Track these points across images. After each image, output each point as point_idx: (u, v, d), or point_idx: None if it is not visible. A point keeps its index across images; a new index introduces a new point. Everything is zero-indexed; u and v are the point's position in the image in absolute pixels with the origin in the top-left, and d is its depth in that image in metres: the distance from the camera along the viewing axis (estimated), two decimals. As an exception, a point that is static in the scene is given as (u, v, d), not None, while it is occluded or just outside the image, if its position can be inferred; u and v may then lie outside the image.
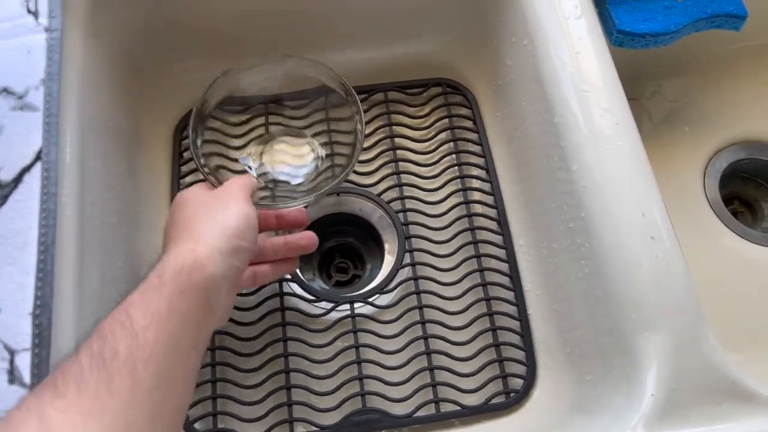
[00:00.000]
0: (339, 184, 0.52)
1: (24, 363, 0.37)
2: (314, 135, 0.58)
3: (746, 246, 0.64)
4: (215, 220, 0.40)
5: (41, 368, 0.37)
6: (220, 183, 0.50)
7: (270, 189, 0.55)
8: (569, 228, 0.50)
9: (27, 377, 0.37)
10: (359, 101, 0.53)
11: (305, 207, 0.53)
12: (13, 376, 0.37)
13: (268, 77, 0.56)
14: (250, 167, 0.56)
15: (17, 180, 0.41)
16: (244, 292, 0.55)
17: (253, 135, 0.58)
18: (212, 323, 0.38)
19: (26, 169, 0.42)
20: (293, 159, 0.58)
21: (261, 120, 0.58)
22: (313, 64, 0.54)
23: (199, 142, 0.52)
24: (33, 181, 0.41)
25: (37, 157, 0.42)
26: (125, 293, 0.44)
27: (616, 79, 0.50)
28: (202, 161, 0.51)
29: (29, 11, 0.46)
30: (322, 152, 0.58)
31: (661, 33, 0.56)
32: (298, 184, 0.56)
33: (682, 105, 0.68)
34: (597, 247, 0.46)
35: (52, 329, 0.38)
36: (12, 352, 0.37)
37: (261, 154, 0.57)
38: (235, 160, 0.56)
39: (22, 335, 0.38)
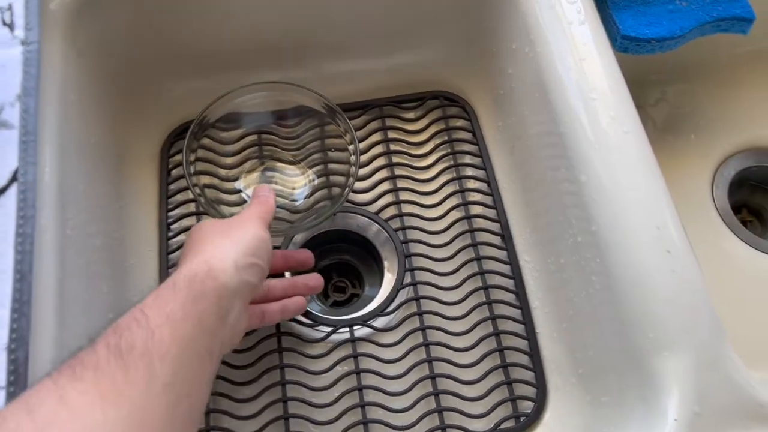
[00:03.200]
0: (341, 204, 0.52)
1: (-2, 402, 0.34)
2: (307, 158, 0.58)
3: (756, 255, 0.62)
4: (230, 238, 0.41)
5: (17, 408, 0.34)
6: (209, 202, 0.49)
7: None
8: (578, 242, 0.47)
9: (2, 418, 0.34)
10: (347, 118, 0.53)
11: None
12: (-14, 417, 0.34)
13: (260, 102, 0.55)
14: (241, 191, 0.56)
15: (-9, 204, 0.39)
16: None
17: (245, 159, 0.57)
18: (226, 335, 0.38)
19: (1, 192, 0.39)
20: (287, 183, 0.57)
21: (253, 145, 0.58)
22: (299, 89, 0.54)
23: (192, 160, 0.52)
24: (8, 203, 0.39)
25: (13, 178, 0.39)
26: (111, 323, 0.42)
27: (624, 85, 0.48)
28: (193, 180, 0.50)
29: (4, 23, 0.44)
30: (314, 176, 0.57)
31: (667, 37, 0.54)
32: (296, 211, 0.56)
33: (687, 112, 0.66)
34: (608, 262, 0.44)
35: (29, 365, 0.35)
36: (-15, 391, 0.34)
37: (253, 178, 0.57)
38: (227, 180, 0.55)
39: (-3, 371, 0.35)
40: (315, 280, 0.51)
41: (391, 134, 0.61)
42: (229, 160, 0.56)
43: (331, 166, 0.56)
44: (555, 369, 0.51)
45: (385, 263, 0.57)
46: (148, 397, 0.30)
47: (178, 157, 0.57)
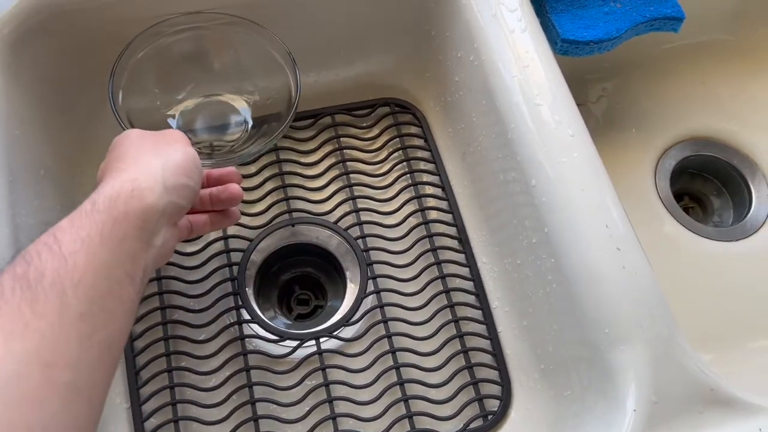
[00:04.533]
0: (270, 144, 0.52)
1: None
2: (244, 95, 0.57)
3: (701, 242, 0.65)
4: (160, 155, 0.38)
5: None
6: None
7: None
8: (532, 243, 0.49)
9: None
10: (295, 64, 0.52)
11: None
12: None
13: (195, 36, 0.54)
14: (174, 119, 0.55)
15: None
16: (201, 338, 0.52)
17: (180, 92, 0.56)
18: (150, 258, 0.36)
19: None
20: (219, 119, 0.56)
21: (189, 78, 0.56)
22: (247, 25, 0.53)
23: (119, 89, 0.50)
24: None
25: (-37, 220, 0.38)
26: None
27: (566, 89, 0.50)
28: (120, 104, 0.49)
29: (-58, 60, 0.43)
30: (249, 116, 0.56)
31: (604, 39, 0.57)
32: (222, 146, 0.55)
33: (627, 107, 0.69)
34: (562, 262, 0.46)
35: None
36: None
37: (187, 111, 0.56)
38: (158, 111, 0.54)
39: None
40: (228, 192, 0.48)
41: (344, 142, 0.61)
42: (162, 95, 0.55)
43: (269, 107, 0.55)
44: (518, 366, 0.53)
45: (347, 273, 0.58)
46: (60, 328, 0.28)
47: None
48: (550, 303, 0.48)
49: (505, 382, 0.53)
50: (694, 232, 0.64)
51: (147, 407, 0.50)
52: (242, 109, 0.56)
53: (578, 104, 0.61)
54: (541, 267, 0.49)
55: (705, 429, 0.40)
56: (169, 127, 0.54)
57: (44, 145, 0.50)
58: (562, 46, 0.56)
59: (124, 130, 0.46)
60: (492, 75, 0.51)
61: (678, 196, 0.68)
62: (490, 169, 0.54)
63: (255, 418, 0.50)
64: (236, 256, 0.56)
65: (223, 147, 0.55)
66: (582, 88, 0.69)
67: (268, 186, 0.59)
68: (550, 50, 0.51)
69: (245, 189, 0.57)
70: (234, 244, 0.56)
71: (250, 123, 0.56)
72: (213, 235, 0.56)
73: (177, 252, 0.55)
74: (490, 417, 0.52)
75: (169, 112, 0.55)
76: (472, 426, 0.51)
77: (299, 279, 0.60)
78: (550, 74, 0.50)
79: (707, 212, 0.69)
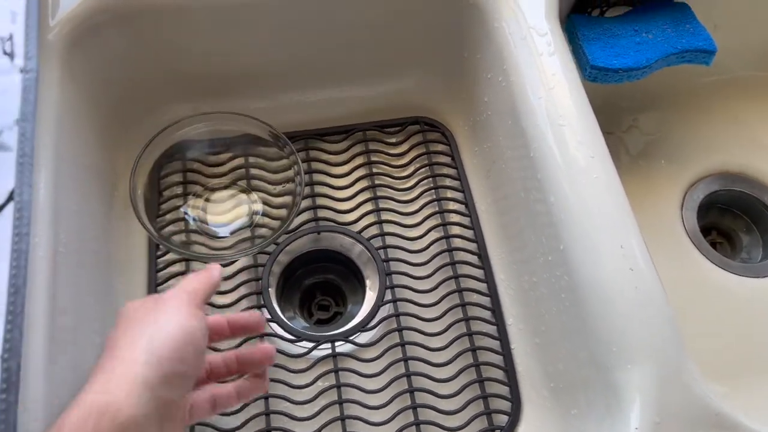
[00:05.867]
0: (280, 235, 0.55)
1: (-9, 409, 0.36)
2: (252, 187, 0.61)
3: (726, 276, 0.64)
4: (144, 338, 0.33)
5: (9, 415, 0.36)
6: (159, 234, 0.53)
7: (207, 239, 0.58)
8: (548, 261, 0.50)
9: (-6, 425, 0.36)
10: (296, 151, 0.57)
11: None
12: (-21, 424, 0.36)
13: (206, 131, 0.59)
14: (187, 214, 0.59)
15: (-12, 221, 0.41)
16: (223, 332, 0.54)
17: (193, 187, 0.60)
18: None
19: (-2, 210, 0.41)
20: (229, 210, 0.60)
21: (201, 171, 0.61)
22: (245, 118, 0.58)
23: (139, 195, 0.54)
24: (4, 221, 0.41)
25: (10, 198, 0.41)
26: (99, 331, 0.44)
27: (590, 112, 0.51)
28: (143, 213, 0.53)
29: (5, 52, 0.46)
30: (259, 206, 0.60)
31: (634, 68, 0.58)
32: (227, 237, 0.59)
33: (657, 138, 0.69)
34: (576, 280, 0.46)
35: (21, 374, 0.37)
36: (-21, 399, 0.36)
37: (200, 205, 0.60)
38: (176, 209, 0.59)
39: (-10, 381, 0.36)
40: (261, 353, 0.41)
41: (374, 157, 0.63)
42: (176, 189, 0.60)
43: (277, 194, 0.59)
44: (529, 383, 0.53)
45: (368, 282, 0.59)
46: None
47: (168, 179, 0.60)
48: (562, 321, 0.49)
49: (515, 399, 0.53)
50: (719, 266, 0.64)
51: (165, 394, 0.52)
52: (253, 200, 0.60)
53: (608, 132, 0.62)
54: (555, 285, 0.49)
55: (707, 453, 0.40)
56: (185, 219, 0.58)
57: (90, 137, 0.54)
58: (591, 72, 0.58)
59: (140, 219, 0.50)
60: (519, 96, 0.52)
61: (706, 231, 0.68)
62: (513, 187, 0.55)
63: (267, 413, 0.52)
64: (262, 258, 0.58)
65: (239, 236, 0.58)
66: (613, 117, 0.70)
67: (298, 193, 0.61)
68: (577, 74, 0.53)
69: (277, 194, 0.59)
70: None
71: (261, 211, 0.60)
72: (241, 236, 0.59)
73: (207, 246, 0.57)
74: (497, 431, 0.52)
75: (183, 208, 0.59)
76: (479, 439, 0.52)
77: (321, 285, 0.62)
78: (576, 97, 0.51)
79: (735, 248, 0.68)
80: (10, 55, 0.46)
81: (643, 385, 0.41)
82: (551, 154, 0.49)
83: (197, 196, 0.60)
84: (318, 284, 0.62)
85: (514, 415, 0.52)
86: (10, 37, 0.47)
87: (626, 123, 0.70)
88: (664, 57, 0.58)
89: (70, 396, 0.40)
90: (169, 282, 0.56)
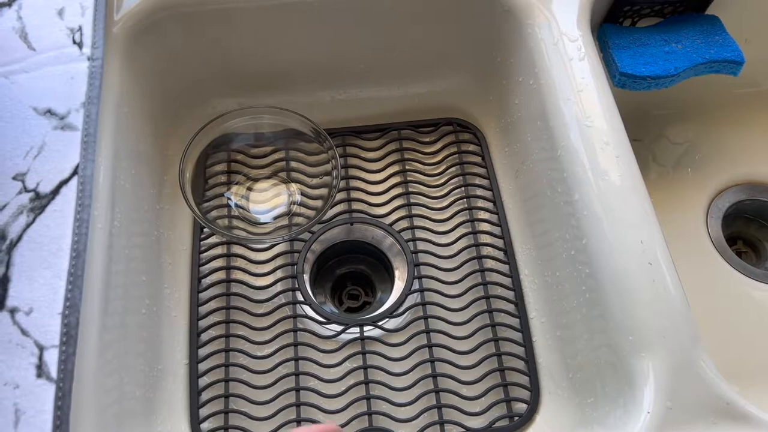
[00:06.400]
0: (313, 224, 0.58)
1: (52, 359, 0.39)
2: (291, 179, 0.64)
3: (750, 284, 0.65)
4: None
5: (67, 364, 0.39)
6: (204, 217, 0.56)
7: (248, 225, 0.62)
8: (571, 255, 0.52)
9: (54, 372, 0.39)
10: (335, 147, 0.59)
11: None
12: (41, 371, 0.39)
13: (252, 124, 0.62)
14: (230, 200, 0.62)
15: (55, 192, 0.45)
16: (258, 312, 0.58)
17: (236, 176, 0.64)
18: None
19: (64, 182, 0.45)
20: (269, 199, 0.63)
21: (245, 162, 0.65)
22: (290, 114, 0.61)
23: (187, 180, 0.58)
24: (69, 193, 0.45)
25: (74, 172, 0.45)
26: (146, 303, 0.48)
27: (617, 115, 0.53)
28: (190, 197, 0.57)
29: (74, 42, 0.51)
30: (297, 197, 0.63)
31: (662, 76, 0.59)
32: (268, 223, 0.62)
33: (685, 147, 0.71)
34: (597, 273, 0.48)
35: (79, 328, 0.41)
36: (41, 349, 0.40)
37: (243, 192, 0.64)
38: (221, 196, 0.63)
39: (52, 333, 0.40)
40: None
41: (407, 155, 0.66)
42: (220, 177, 0.64)
43: (314, 186, 0.63)
44: (548, 375, 0.55)
45: (396, 272, 0.62)
46: None
47: (214, 168, 0.64)
48: (582, 313, 0.51)
49: (534, 388, 0.55)
50: (744, 274, 0.65)
51: (203, 366, 0.55)
52: (292, 191, 0.64)
53: (636, 140, 0.64)
54: (577, 278, 0.51)
55: (717, 439, 0.41)
56: (228, 205, 0.62)
57: (145, 125, 0.58)
58: (620, 79, 0.60)
59: (188, 202, 0.55)
60: (548, 98, 0.55)
61: (732, 240, 0.69)
62: (540, 185, 0.57)
63: (297, 389, 0.54)
64: (298, 245, 0.62)
65: (277, 224, 0.62)
66: (642, 125, 0.71)
67: (334, 185, 0.64)
68: (606, 79, 0.55)
69: (312, 187, 0.63)
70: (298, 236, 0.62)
71: (298, 201, 0.63)
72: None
73: (247, 231, 0.61)
74: (516, 419, 0.54)
75: (226, 194, 0.63)
76: (497, 425, 0.54)
77: (352, 275, 0.65)
78: (603, 100, 0.53)
79: (761, 258, 0.69)
80: (79, 45, 0.51)
81: (656, 371, 0.43)
82: (577, 153, 0.51)
83: (240, 184, 0.64)
84: (349, 274, 0.65)
85: (533, 403, 0.54)
86: (80, 29, 0.52)
87: (655, 131, 0.72)
88: (692, 66, 0.60)
89: (118, 351, 0.44)
90: (211, 263, 0.60)
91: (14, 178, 0.45)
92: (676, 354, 0.44)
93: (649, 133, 0.72)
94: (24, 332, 0.40)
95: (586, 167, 0.51)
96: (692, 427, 0.42)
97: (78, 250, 0.43)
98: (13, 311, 0.41)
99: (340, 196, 0.64)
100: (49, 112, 0.48)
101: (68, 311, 0.41)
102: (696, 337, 0.44)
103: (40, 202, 0.44)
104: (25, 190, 0.45)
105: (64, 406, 0.38)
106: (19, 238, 0.43)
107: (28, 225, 0.43)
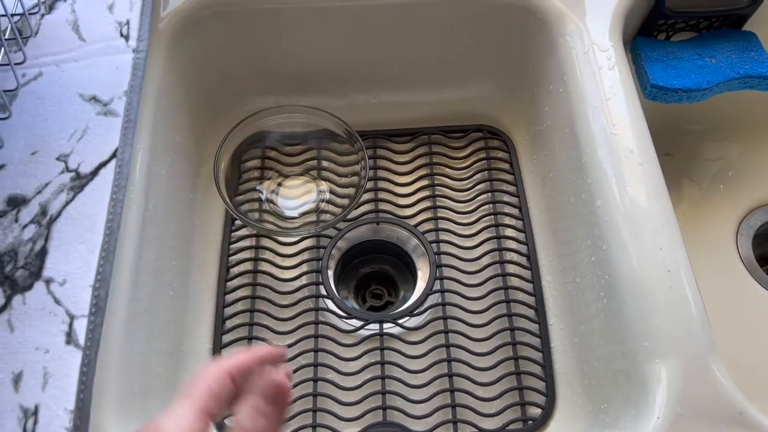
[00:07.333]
0: (339, 220, 0.60)
1: (81, 328, 0.42)
2: (321, 177, 0.66)
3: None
4: None
5: (95, 333, 0.42)
6: (237, 209, 0.58)
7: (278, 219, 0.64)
8: (591, 261, 0.52)
9: (82, 340, 0.41)
10: (365, 148, 0.61)
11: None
12: (70, 338, 0.41)
13: (286, 123, 0.64)
14: (262, 194, 0.65)
15: (94, 173, 0.47)
16: (282, 303, 0.59)
17: (268, 172, 0.66)
18: None
19: (103, 164, 0.48)
20: (299, 195, 0.65)
21: (278, 159, 0.67)
22: (325, 114, 0.63)
23: (222, 173, 0.60)
24: (107, 174, 0.47)
25: (114, 155, 0.48)
26: (174, 287, 0.50)
27: (644, 125, 0.53)
28: (223, 189, 0.59)
29: (122, 35, 0.54)
30: (326, 195, 0.65)
31: (693, 89, 0.59)
32: (297, 218, 0.64)
33: (717, 164, 0.70)
34: (616, 279, 0.48)
35: (108, 301, 0.43)
36: (72, 318, 0.42)
37: (274, 187, 0.66)
38: (253, 190, 0.65)
39: (82, 304, 0.42)
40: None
41: (436, 159, 0.67)
42: (253, 173, 0.66)
43: (343, 185, 0.65)
44: (565, 380, 0.55)
45: (419, 273, 0.63)
46: None
47: (248, 164, 0.66)
48: (600, 319, 0.51)
49: (550, 394, 0.55)
50: (770, 292, 0.64)
51: (226, 351, 0.57)
52: (321, 189, 0.66)
53: (667, 154, 0.64)
54: (596, 284, 0.51)
55: (728, 448, 0.41)
56: (259, 199, 0.64)
57: (183, 119, 0.60)
58: (651, 91, 0.60)
59: (221, 194, 0.57)
60: (576, 105, 0.55)
61: (763, 260, 0.68)
62: (565, 192, 0.58)
63: (315, 379, 0.56)
64: (324, 241, 0.63)
65: (305, 219, 0.64)
66: (674, 140, 0.71)
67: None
68: (635, 88, 0.55)
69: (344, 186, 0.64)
70: (324, 231, 0.63)
71: (327, 199, 0.65)
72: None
73: (274, 225, 0.62)
74: (530, 423, 0.54)
75: (258, 187, 0.66)
76: (511, 427, 0.54)
77: (376, 275, 0.66)
78: (631, 109, 0.54)
79: (793, 279, 0.68)
80: (126, 38, 0.54)
81: (668, 378, 0.43)
82: (601, 160, 0.52)
83: (272, 180, 0.66)
84: (374, 273, 0.66)
85: (548, 408, 0.54)
86: (128, 23, 0.55)
87: (686, 146, 0.71)
88: (725, 81, 0.60)
89: (144, 327, 0.46)
90: (239, 254, 0.62)
91: (58, 159, 0.48)
92: (689, 361, 0.43)
93: (682, 148, 0.71)
94: (57, 301, 0.42)
95: (609, 174, 0.51)
96: (703, 434, 0.41)
97: (112, 228, 0.45)
98: (48, 281, 0.43)
99: (367, 196, 0.65)
100: (94, 99, 0.50)
101: (99, 284, 0.43)
102: (711, 346, 0.44)
103: (80, 182, 0.47)
104: (67, 170, 0.47)
105: (89, 371, 0.40)
106: (59, 214, 0.46)
107: (68, 202, 0.46)
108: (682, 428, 0.41)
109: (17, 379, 0.40)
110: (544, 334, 0.58)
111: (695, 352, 0.44)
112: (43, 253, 0.44)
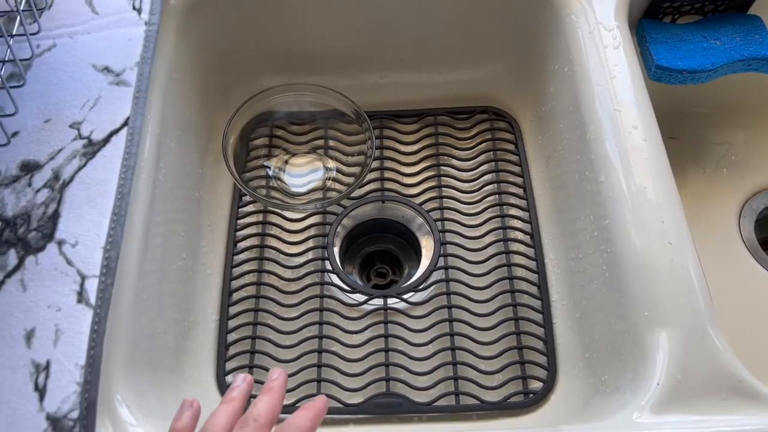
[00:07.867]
0: (344, 197, 0.61)
1: (92, 287, 0.43)
2: (328, 155, 0.67)
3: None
4: None
5: (105, 293, 0.43)
6: (245, 184, 0.59)
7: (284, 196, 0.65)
8: (594, 236, 0.53)
9: (93, 299, 0.42)
10: (372, 128, 0.62)
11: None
12: (81, 297, 0.42)
13: (295, 101, 0.65)
14: (269, 169, 0.66)
15: (106, 140, 0.48)
16: (288, 277, 0.60)
17: (276, 150, 0.67)
18: None
19: (115, 132, 0.49)
20: (306, 173, 0.66)
21: (286, 137, 0.68)
22: (334, 93, 0.63)
23: (230, 148, 0.61)
24: (119, 142, 0.48)
25: (125, 123, 0.49)
26: (183, 258, 0.50)
27: (648, 102, 0.54)
28: (232, 164, 0.60)
29: (134, 8, 0.55)
30: (332, 173, 0.66)
31: (698, 70, 0.60)
32: (303, 194, 0.65)
33: (722, 148, 0.71)
34: (618, 252, 0.49)
35: (118, 262, 0.44)
36: (83, 278, 0.43)
37: (281, 165, 0.67)
38: (261, 167, 0.66)
39: (93, 264, 0.43)
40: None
41: (441, 140, 0.68)
42: (261, 150, 0.67)
43: (349, 164, 0.65)
44: (566, 356, 0.56)
45: (423, 250, 0.64)
46: None
47: (256, 141, 0.67)
48: (602, 293, 0.51)
49: (551, 368, 0.56)
50: (772, 273, 0.64)
51: (232, 323, 0.58)
52: (328, 166, 0.67)
53: (671, 138, 0.64)
54: (598, 259, 0.52)
55: (725, 413, 0.41)
56: (267, 175, 0.66)
57: (193, 94, 0.61)
58: (655, 72, 0.60)
59: (229, 168, 0.58)
60: (581, 83, 0.56)
61: (766, 243, 0.68)
62: (569, 171, 0.58)
63: (319, 350, 0.56)
64: (330, 218, 0.64)
65: (311, 196, 0.65)
66: (679, 123, 0.72)
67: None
68: (639, 68, 0.56)
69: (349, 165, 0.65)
70: (331, 208, 0.64)
71: (333, 177, 0.66)
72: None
73: (282, 201, 0.63)
74: (531, 396, 0.55)
75: (266, 163, 0.67)
76: (512, 400, 0.55)
77: (381, 254, 0.67)
78: (635, 87, 0.54)
79: (795, 262, 0.68)
80: (138, 11, 0.55)
81: (668, 346, 0.44)
82: (605, 136, 0.52)
83: (279, 157, 0.67)
84: (378, 252, 0.67)
85: (549, 383, 0.55)
86: (140, -4, 0.55)
87: (691, 130, 0.72)
88: (729, 63, 0.61)
89: (153, 294, 0.47)
90: (247, 229, 0.63)
91: (71, 126, 0.49)
92: (690, 330, 0.44)
93: (686, 133, 0.72)
94: (69, 262, 0.43)
95: (612, 150, 0.52)
96: (702, 401, 0.42)
97: (123, 193, 0.46)
98: (60, 243, 0.44)
99: (373, 175, 0.66)
100: (107, 69, 0.51)
101: (110, 246, 0.44)
102: (712, 316, 0.45)
103: (92, 149, 0.48)
104: (80, 137, 0.48)
105: (99, 329, 0.41)
106: (71, 179, 0.47)
107: (80, 168, 0.47)
108: (681, 394, 0.42)
109: (29, 336, 0.41)
110: (546, 310, 0.58)
111: (696, 321, 0.44)
112: (55, 216, 0.45)
